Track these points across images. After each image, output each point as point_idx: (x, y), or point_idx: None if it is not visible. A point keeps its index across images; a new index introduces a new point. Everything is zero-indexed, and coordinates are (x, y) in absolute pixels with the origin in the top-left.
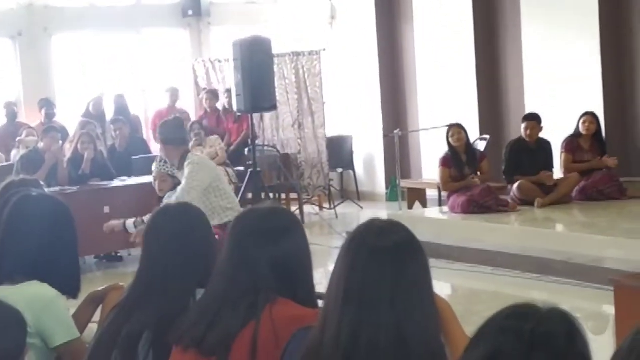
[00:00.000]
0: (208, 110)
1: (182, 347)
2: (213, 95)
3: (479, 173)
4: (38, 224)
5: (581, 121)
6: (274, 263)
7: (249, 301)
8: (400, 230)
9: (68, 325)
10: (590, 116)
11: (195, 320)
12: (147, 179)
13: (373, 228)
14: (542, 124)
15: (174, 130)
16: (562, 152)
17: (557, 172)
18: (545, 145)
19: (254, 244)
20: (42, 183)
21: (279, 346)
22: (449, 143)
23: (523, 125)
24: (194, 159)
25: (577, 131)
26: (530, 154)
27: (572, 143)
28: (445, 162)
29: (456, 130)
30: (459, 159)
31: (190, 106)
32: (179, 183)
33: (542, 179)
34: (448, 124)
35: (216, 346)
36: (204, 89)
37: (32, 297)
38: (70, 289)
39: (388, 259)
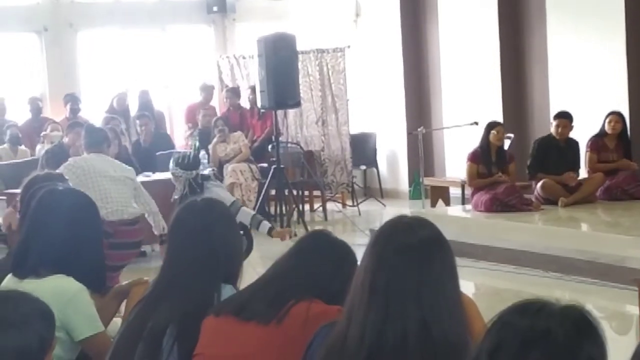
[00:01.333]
0: (230, 108)
1: (217, 314)
2: (233, 93)
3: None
4: (63, 217)
5: (607, 120)
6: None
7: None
8: (427, 227)
9: (92, 319)
10: (616, 115)
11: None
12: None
13: (400, 224)
14: (573, 124)
15: (85, 136)
16: (587, 152)
17: (583, 172)
18: (574, 145)
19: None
20: (67, 177)
21: (306, 337)
22: (486, 139)
23: (554, 123)
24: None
25: (602, 130)
26: (558, 152)
27: (597, 142)
28: (474, 157)
29: (501, 128)
30: (488, 157)
31: (214, 102)
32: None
33: (565, 179)
34: (493, 121)
35: (257, 313)
36: (227, 86)
37: (57, 290)
38: (95, 283)
39: (415, 255)
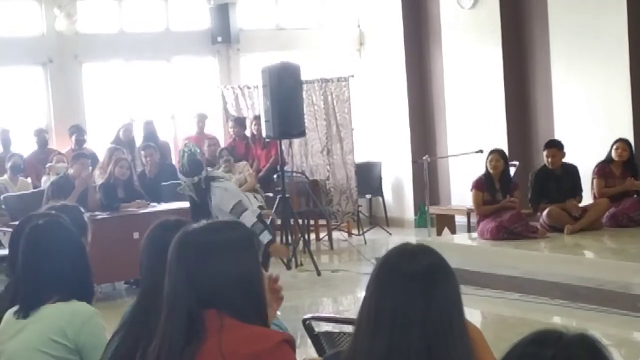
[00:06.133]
0: (236, 138)
1: None
2: (238, 123)
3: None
4: (49, 249)
5: (614, 147)
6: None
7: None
8: (431, 254)
9: (105, 344)
10: (623, 143)
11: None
12: (176, 205)
13: (405, 252)
14: (565, 150)
15: None
16: (593, 178)
17: (587, 197)
18: (572, 170)
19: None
20: (82, 210)
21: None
22: (487, 167)
23: (544, 153)
24: None
25: (609, 157)
26: (556, 180)
27: (604, 169)
28: (478, 185)
29: (495, 156)
30: (492, 184)
31: (219, 132)
32: None
33: (567, 207)
34: (490, 149)
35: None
36: (232, 116)
37: (72, 314)
38: (86, 294)
39: (419, 283)
